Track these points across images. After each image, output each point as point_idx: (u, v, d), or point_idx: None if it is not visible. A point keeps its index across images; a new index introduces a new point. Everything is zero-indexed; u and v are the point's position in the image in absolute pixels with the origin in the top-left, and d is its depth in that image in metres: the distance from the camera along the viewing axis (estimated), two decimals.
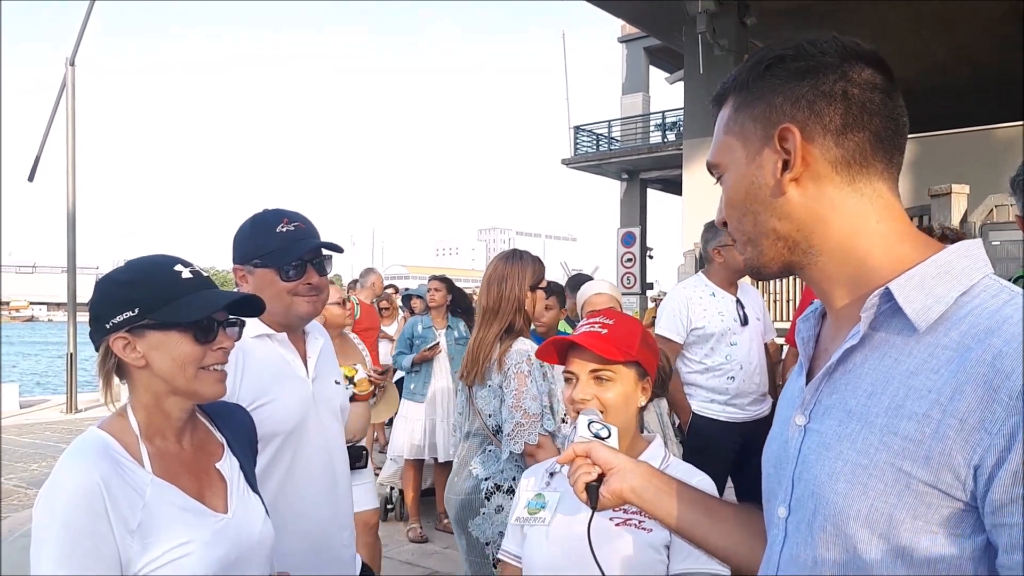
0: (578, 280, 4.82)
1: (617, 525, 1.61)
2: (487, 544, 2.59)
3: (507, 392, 2.62)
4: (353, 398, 3.76)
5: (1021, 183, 2.13)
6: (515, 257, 2.81)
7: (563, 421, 2.68)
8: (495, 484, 2.62)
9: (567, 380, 1.73)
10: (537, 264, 2.80)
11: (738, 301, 3.91)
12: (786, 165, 0.91)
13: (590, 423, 1.35)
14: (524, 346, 2.66)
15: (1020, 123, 12.33)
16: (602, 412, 1.66)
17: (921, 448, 0.79)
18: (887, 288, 0.87)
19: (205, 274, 1.49)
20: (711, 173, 1.02)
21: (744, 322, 3.89)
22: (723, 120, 0.99)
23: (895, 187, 0.93)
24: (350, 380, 3.76)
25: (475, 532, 2.63)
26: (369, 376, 3.90)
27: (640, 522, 1.60)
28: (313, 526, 1.99)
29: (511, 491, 2.59)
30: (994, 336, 0.78)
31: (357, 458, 3.85)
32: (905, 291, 0.86)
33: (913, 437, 0.80)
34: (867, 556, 0.83)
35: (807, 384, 0.96)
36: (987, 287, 0.85)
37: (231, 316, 1.50)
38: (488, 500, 2.61)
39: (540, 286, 2.76)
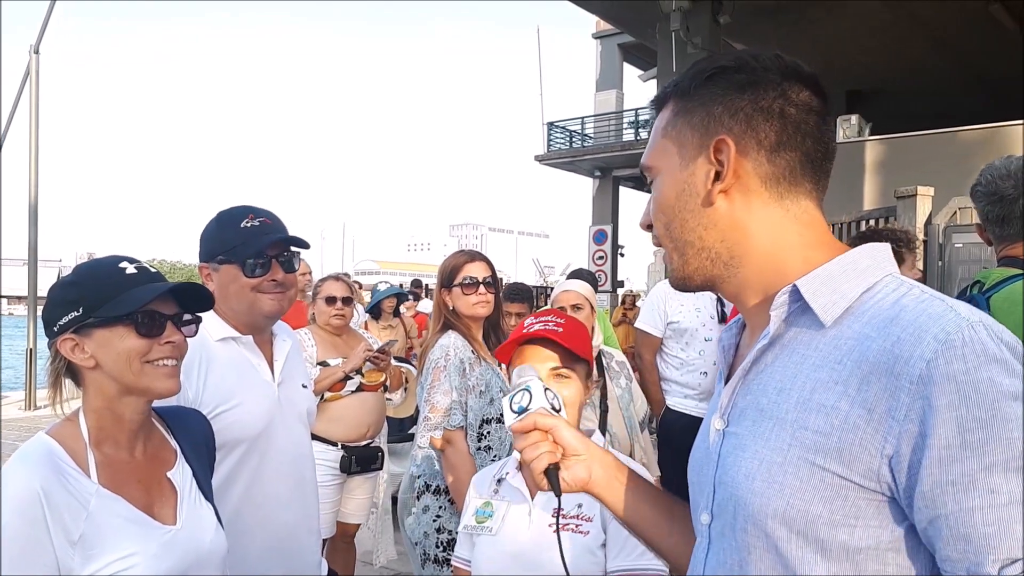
0: (577, 275, 4.80)
1: (555, 532, 1.61)
2: (415, 544, 2.58)
3: (424, 385, 2.63)
4: (360, 388, 3.64)
5: (981, 193, 2.12)
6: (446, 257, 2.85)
7: (499, 421, 2.65)
8: (425, 483, 2.61)
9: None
10: (449, 262, 2.78)
11: (719, 299, 3.93)
12: (717, 176, 0.92)
13: (546, 390, 1.15)
14: (447, 340, 2.65)
15: (984, 126, 12.56)
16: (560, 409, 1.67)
17: (831, 440, 0.80)
18: (794, 285, 0.88)
19: (154, 269, 1.45)
20: (643, 175, 1.03)
21: (722, 319, 3.92)
22: (661, 124, 1.00)
23: (820, 205, 0.96)
24: (358, 372, 3.62)
25: (407, 531, 2.62)
26: (369, 357, 3.60)
27: (577, 526, 1.62)
28: (280, 531, 1.96)
29: (438, 491, 2.59)
30: (893, 324, 0.80)
31: (372, 460, 3.65)
32: (812, 287, 0.88)
33: (823, 430, 0.81)
34: (788, 555, 0.84)
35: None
36: (888, 283, 0.87)
37: (186, 313, 1.46)
38: (418, 499, 2.60)
39: (455, 283, 2.71)
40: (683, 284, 1.00)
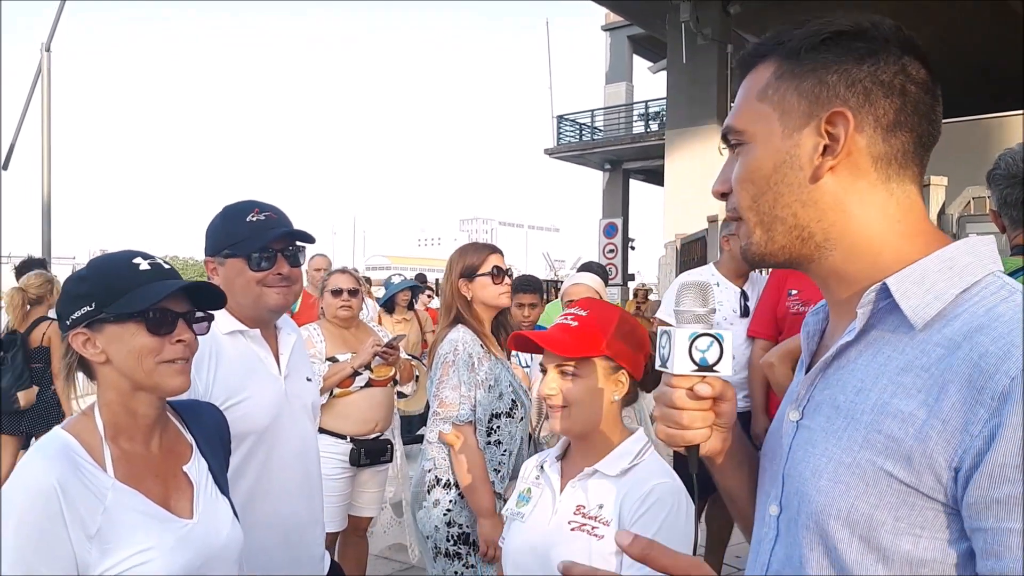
0: (587, 268, 4.81)
1: (572, 530, 1.61)
2: (427, 538, 2.59)
3: (433, 380, 2.63)
4: (369, 384, 3.63)
5: (1000, 176, 2.11)
6: (457, 250, 2.84)
7: (508, 415, 2.65)
8: (436, 477, 2.61)
9: (542, 372, 1.73)
10: (470, 254, 2.76)
11: (743, 293, 3.91)
12: (826, 150, 0.86)
13: (695, 338, 0.94)
14: (456, 335, 2.64)
15: (999, 114, 12.44)
16: (566, 407, 1.65)
17: (903, 447, 0.77)
18: (884, 284, 0.83)
19: (168, 266, 1.45)
20: (726, 138, 0.95)
21: (744, 313, 3.90)
22: (758, 85, 0.91)
23: (921, 191, 0.90)
24: (366, 367, 3.62)
25: (419, 524, 2.63)
26: (378, 352, 3.57)
27: (593, 528, 1.59)
28: (287, 523, 1.97)
29: (448, 485, 2.59)
30: (982, 334, 0.75)
31: (381, 453, 3.66)
32: (903, 287, 0.83)
33: (896, 435, 0.78)
34: (847, 557, 0.81)
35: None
36: (989, 284, 0.81)
37: (198, 310, 1.46)
38: (429, 493, 2.61)
39: (481, 273, 2.70)
40: (761, 260, 0.92)
